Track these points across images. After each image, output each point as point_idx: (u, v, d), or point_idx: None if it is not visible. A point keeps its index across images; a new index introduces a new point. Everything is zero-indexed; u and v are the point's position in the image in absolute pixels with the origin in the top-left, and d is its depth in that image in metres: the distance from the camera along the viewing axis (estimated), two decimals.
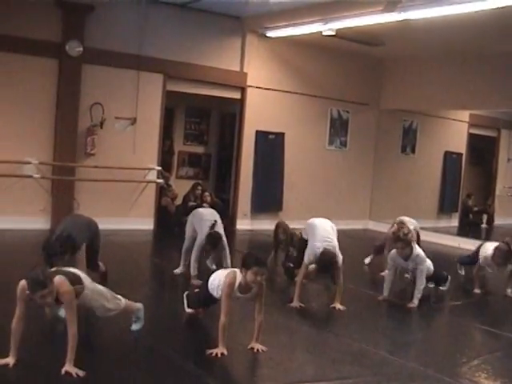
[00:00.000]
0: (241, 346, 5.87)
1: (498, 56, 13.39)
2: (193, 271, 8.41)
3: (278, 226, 9.79)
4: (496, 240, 9.34)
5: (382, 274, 9.73)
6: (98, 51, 11.97)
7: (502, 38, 11.97)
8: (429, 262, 8.36)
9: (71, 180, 12.07)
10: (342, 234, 12.19)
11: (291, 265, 8.99)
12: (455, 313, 8.02)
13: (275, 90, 14.45)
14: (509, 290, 9.15)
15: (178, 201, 14.02)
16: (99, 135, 12.19)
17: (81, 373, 4.86)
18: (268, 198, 14.46)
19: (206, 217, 8.67)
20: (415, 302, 7.98)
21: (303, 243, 8.40)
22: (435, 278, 8.68)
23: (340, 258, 7.81)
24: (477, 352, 6.48)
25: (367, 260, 10.75)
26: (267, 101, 14.34)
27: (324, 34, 12.30)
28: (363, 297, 8.57)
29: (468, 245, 13.22)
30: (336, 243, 7.92)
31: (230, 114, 15.21)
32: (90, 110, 12.09)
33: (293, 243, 9.36)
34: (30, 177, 11.59)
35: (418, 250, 8.25)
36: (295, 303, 7.66)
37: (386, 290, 8.25)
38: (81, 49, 11.74)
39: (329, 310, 7.61)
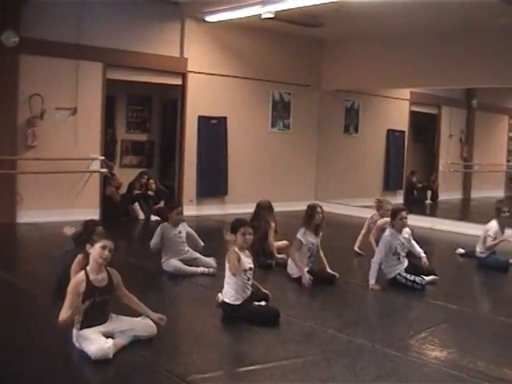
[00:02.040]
0: (191, 331, 5.89)
1: (436, 34, 13.55)
2: None
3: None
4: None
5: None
6: (35, 41, 11.75)
7: (441, 16, 12.12)
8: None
9: (12, 173, 11.87)
10: (288, 216, 12.34)
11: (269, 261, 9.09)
12: (402, 289, 8.11)
13: (216, 75, 14.41)
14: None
15: (123, 190, 13.93)
16: (40, 127, 12.00)
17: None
18: (213, 183, 14.44)
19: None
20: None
21: None
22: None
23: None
24: (423, 325, 6.57)
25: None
26: (208, 86, 14.29)
27: (263, 16, 12.31)
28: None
29: (413, 221, 13.40)
30: None
31: (172, 101, 15.12)
32: (29, 101, 11.88)
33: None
34: None
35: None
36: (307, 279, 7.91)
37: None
38: (17, 39, 11.49)
39: (277, 292, 7.63)
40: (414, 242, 8.55)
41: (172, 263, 8.37)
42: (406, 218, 8.28)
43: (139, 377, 4.97)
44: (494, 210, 9.68)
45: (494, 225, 9.57)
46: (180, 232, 8.66)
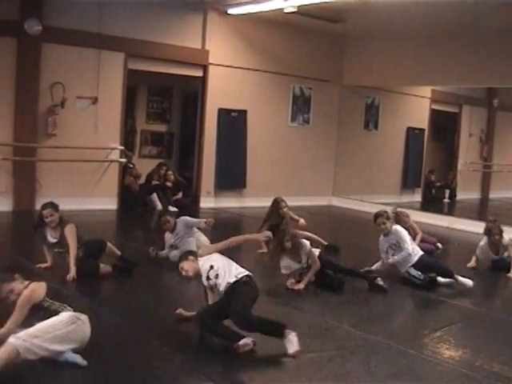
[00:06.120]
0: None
1: (458, 32, 13.46)
2: None
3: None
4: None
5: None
6: (57, 30, 11.82)
7: (464, 14, 12.05)
8: None
9: (33, 161, 11.95)
10: (305, 211, 12.33)
11: None
12: (417, 287, 8.07)
13: (237, 68, 14.42)
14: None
15: (142, 180, 13.97)
16: (60, 115, 12.07)
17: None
18: (231, 176, 14.47)
19: None
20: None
21: None
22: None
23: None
24: (439, 324, 6.56)
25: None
26: (229, 78, 14.30)
27: (285, 10, 12.29)
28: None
29: (431, 219, 13.37)
30: None
31: (193, 92, 15.15)
32: (50, 89, 11.95)
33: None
34: None
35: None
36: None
37: None
38: (40, 27, 11.56)
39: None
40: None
41: None
42: (381, 225, 8.32)
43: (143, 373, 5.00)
44: (485, 230, 9.25)
45: (482, 245, 9.28)
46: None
